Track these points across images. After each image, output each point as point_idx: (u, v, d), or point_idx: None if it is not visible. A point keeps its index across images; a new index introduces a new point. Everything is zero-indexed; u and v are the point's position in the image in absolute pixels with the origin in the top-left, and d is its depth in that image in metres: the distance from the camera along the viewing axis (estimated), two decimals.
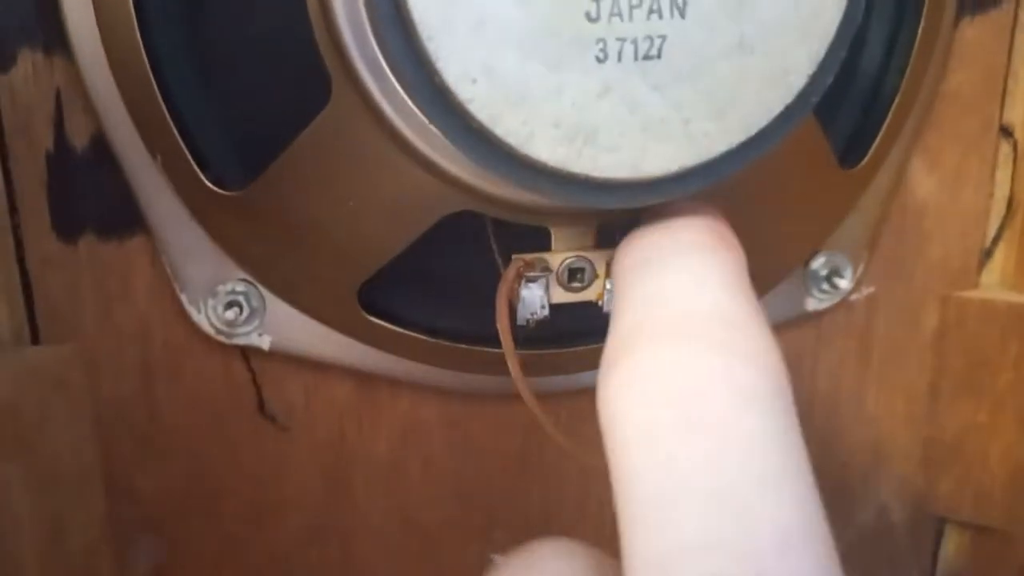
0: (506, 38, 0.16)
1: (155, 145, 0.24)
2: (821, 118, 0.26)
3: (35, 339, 0.27)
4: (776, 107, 0.18)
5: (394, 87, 0.20)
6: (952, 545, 0.34)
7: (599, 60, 0.17)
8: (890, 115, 0.27)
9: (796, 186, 0.26)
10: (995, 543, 0.33)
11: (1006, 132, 0.30)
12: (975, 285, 0.31)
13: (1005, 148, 0.30)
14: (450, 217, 0.23)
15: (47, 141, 0.25)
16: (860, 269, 0.30)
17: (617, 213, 0.23)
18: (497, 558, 0.17)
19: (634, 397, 0.14)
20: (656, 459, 0.13)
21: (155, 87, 0.23)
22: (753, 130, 0.18)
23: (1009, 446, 0.31)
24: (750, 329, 0.15)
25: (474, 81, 0.17)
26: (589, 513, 0.32)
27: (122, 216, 0.26)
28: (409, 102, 0.19)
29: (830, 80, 0.18)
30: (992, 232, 0.31)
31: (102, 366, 0.27)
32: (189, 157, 0.24)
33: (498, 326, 0.23)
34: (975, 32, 0.28)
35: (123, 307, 0.27)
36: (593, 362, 0.28)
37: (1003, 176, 0.30)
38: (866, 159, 0.27)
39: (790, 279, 0.29)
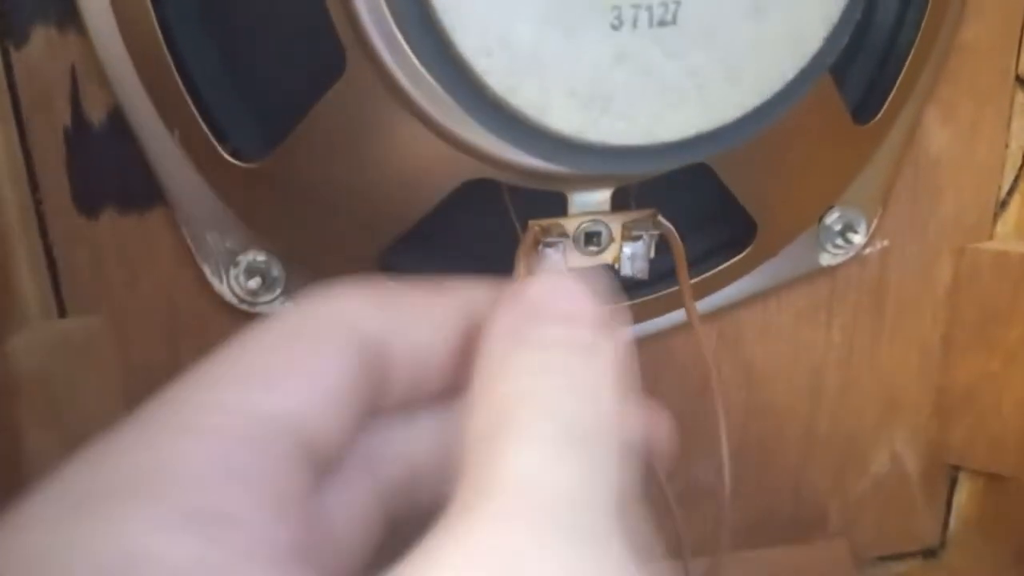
0: (521, 9, 0.16)
1: (172, 118, 0.24)
2: (835, 74, 0.26)
3: (62, 312, 0.27)
4: (790, 71, 0.18)
5: (408, 58, 0.20)
6: (965, 492, 0.34)
7: (614, 27, 0.17)
8: (904, 70, 0.27)
9: (809, 143, 0.26)
10: (1008, 490, 0.33)
11: (1022, 82, 0.29)
12: (989, 237, 0.31)
13: (1021, 98, 0.30)
14: (469, 182, 0.23)
15: (64, 117, 0.25)
16: (874, 224, 0.30)
17: (632, 177, 0.23)
18: None
19: None
20: None
21: (169, 60, 0.23)
22: (767, 95, 0.18)
23: (1022, 395, 0.31)
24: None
25: (490, 53, 0.17)
26: None
27: (142, 189, 0.26)
28: (425, 73, 0.19)
29: (844, 43, 0.18)
30: (1007, 183, 0.31)
31: (128, 336, 0.28)
32: (206, 130, 0.24)
33: None
34: None
35: (147, 278, 0.27)
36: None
37: (1019, 126, 0.30)
38: (880, 115, 0.27)
39: (804, 234, 0.29)
